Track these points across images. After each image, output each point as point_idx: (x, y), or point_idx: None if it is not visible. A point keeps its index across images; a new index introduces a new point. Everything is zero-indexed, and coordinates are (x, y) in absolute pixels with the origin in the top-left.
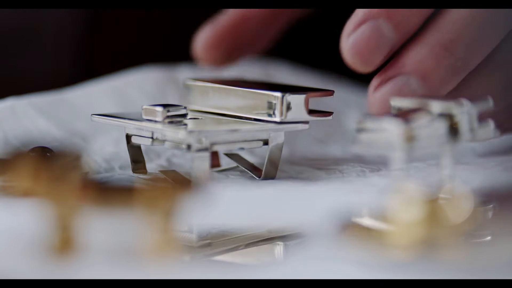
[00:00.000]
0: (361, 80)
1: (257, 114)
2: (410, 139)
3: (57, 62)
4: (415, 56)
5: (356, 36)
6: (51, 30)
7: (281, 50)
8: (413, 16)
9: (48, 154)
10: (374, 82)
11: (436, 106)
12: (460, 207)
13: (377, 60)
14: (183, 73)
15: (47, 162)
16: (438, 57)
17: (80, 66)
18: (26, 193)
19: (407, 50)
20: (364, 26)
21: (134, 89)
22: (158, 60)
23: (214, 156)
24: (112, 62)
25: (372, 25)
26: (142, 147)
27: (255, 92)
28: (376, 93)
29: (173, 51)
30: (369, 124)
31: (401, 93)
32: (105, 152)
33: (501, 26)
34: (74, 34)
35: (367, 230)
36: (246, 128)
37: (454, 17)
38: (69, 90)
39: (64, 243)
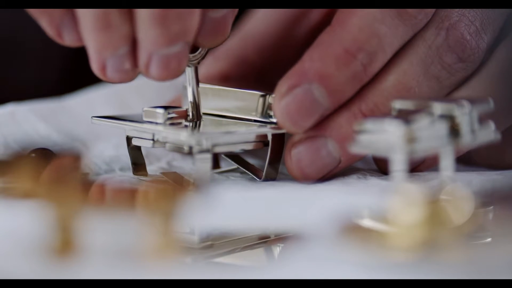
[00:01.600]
0: None
1: (257, 115)
2: (410, 140)
3: (44, 72)
4: (335, 120)
5: (288, 99)
6: (37, 40)
7: None
8: (348, 84)
9: (48, 156)
10: (295, 138)
11: (437, 108)
12: (460, 209)
13: (308, 124)
14: (182, 76)
15: (48, 164)
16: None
17: (66, 76)
18: (26, 195)
19: (331, 114)
20: (297, 89)
21: (133, 94)
22: None
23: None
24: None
25: (305, 89)
26: (143, 150)
27: (255, 94)
28: (294, 150)
29: None
30: (370, 125)
31: (318, 155)
32: (105, 155)
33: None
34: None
35: (367, 231)
36: (247, 129)
37: (381, 87)
38: (69, 97)
39: (65, 244)
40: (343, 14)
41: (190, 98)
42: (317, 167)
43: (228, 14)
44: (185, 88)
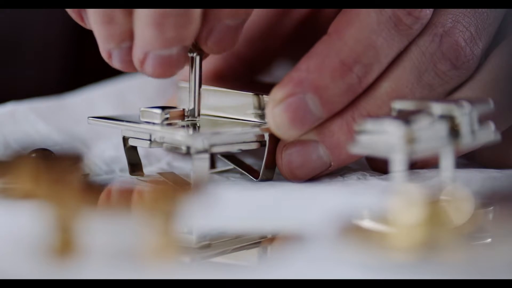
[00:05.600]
0: None
1: (254, 115)
2: (411, 141)
3: (44, 72)
4: (328, 127)
5: (282, 107)
6: (37, 40)
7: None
8: (342, 95)
9: (48, 156)
10: (285, 142)
11: (437, 108)
12: (460, 209)
13: (300, 133)
14: (181, 75)
15: (48, 164)
16: (350, 132)
17: (66, 76)
18: (27, 195)
19: (324, 121)
20: (292, 98)
21: (134, 92)
22: None
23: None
24: (99, 69)
25: (300, 98)
26: (140, 150)
27: (252, 94)
28: (285, 151)
29: None
30: (370, 126)
31: (308, 158)
32: (105, 155)
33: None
34: (60, 43)
35: (367, 232)
36: (245, 129)
37: (374, 95)
38: (69, 95)
39: (65, 244)
40: (340, 23)
41: (191, 89)
42: (307, 169)
43: (241, 24)
44: (179, 88)
